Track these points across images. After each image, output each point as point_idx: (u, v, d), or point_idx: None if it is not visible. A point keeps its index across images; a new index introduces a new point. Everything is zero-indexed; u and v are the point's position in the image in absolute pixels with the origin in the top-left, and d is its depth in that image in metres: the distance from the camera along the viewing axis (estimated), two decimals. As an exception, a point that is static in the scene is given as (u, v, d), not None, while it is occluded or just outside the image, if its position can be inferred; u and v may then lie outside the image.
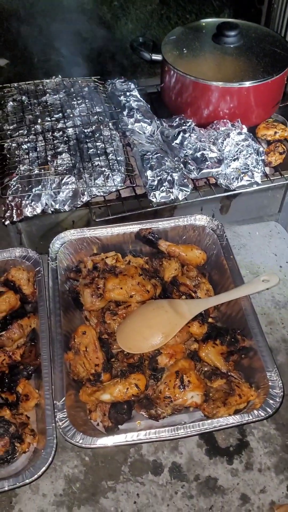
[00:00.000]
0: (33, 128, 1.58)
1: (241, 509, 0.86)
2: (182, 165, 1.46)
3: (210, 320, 1.05)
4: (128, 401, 0.92)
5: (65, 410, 0.88)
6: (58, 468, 0.92)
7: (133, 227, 1.19)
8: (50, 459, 0.83)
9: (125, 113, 1.60)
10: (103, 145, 1.53)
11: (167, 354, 0.95)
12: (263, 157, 1.50)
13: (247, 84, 1.52)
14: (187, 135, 1.53)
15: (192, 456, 0.93)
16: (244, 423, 0.87)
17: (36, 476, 0.81)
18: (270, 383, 0.91)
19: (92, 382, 0.93)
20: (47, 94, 1.71)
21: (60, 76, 1.80)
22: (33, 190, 1.40)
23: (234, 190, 1.47)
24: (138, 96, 1.67)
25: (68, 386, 0.94)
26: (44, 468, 0.82)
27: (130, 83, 1.73)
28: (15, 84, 1.76)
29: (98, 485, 0.89)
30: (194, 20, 3.89)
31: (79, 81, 1.78)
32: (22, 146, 1.52)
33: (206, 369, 0.99)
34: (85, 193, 1.42)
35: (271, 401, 0.89)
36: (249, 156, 1.48)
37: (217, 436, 0.95)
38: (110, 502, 0.87)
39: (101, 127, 1.58)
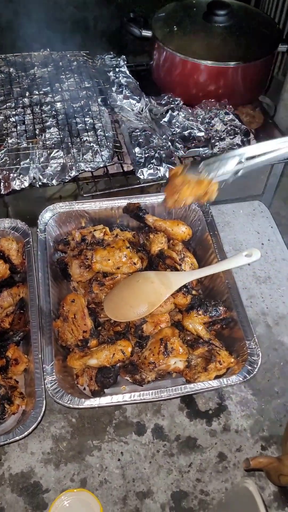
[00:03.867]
0: (21, 101, 1.58)
1: (218, 466, 0.92)
2: (169, 143, 1.49)
3: (193, 292, 1.09)
4: (114, 366, 0.96)
5: (53, 373, 0.92)
6: (46, 429, 0.96)
7: (121, 202, 1.21)
8: (40, 418, 0.87)
9: (114, 89, 1.61)
10: (92, 120, 1.53)
11: (152, 322, 1.00)
12: (249, 138, 1.53)
13: (236, 64, 1.54)
14: (175, 113, 1.55)
15: (174, 418, 0.98)
16: (222, 387, 0.93)
17: (26, 433, 0.85)
18: (249, 351, 0.96)
19: (80, 348, 0.97)
20: (35, 67, 1.70)
21: (48, 49, 1.79)
22: (21, 163, 1.40)
23: (220, 169, 1.50)
24: (127, 72, 1.68)
25: (56, 352, 0.97)
26: (34, 426, 0.86)
27: (119, 59, 1.73)
28: (2, 56, 1.74)
29: (84, 444, 0.94)
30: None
31: (68, 55, 1.77)
32: (10, 119, 1.51)
33: (188, 338, 1.03)
34: (73, 168, 1.43)
35: (249, 367, 0.94)
36: (236, 136, 1.52)
37: (198, 400, 1.00)
38: (96, 460, 0.92)
39: (90, 102, 1.59)
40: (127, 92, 1.60)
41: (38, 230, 1.15)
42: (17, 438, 0.85)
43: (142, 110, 1.61)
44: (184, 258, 1.12)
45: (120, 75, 1.65)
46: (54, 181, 1.42)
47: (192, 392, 0.91)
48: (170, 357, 0.94)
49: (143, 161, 1.44)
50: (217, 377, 0.96)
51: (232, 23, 1.64)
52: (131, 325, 1.00)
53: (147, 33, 1.68)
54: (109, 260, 1.06)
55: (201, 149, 1.49)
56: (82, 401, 0.89)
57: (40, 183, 1.43)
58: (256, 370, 0.93)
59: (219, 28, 1.63)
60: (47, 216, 1.18)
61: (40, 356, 0.95)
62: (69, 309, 0.98)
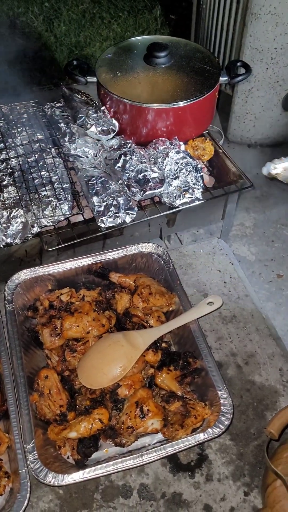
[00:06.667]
0: (-25, 162, 1.58)
1: (205, 518, 0.96)
2: (126, 188, 1.52)
3: (163, 345, 1.13)
4: (94, 434, 0.99)
5: (35, 452, 0.94)
6: (35, 505, 0.98)
7: (84, 261, 1.24)
8: (26, 501, 0.89)
9: (66, 139, 1.63)
10: (48, 174, 1.56)
11: (126, 385, 1.03)
12: (201, 174, 1.58)
13: (181, 104, 1.59)
14: (128, 157, 1.58)
15: (158, 475, 1.01)
16: (201, 442, 0.96)
17: (14, 519, 0.87)
18: (221, 401, 1.00)
19: (59, 422, 0.99)
20: (-14, 124, 1.71)
21: (-3, 102, 1.80)
22: (-17, 227, 1.42)
23: (178, 207, 1.55)
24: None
25: (36, 426, 1.00)
26: (21, 511, 0.88)
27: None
28: None
29: (73, 515, 0.97)
30: (126, 18, 3.90)
31: (17, 107, 1.78)
32: None
33: (163, 392, 1.07)
34: (35, 224, 1.45)
35: (223, 418, 0.98)
36: (189, 173, 1.56)
37: (179, 453, 1.04)
38: (86, 530, 0.95)
39: (44, 155, 1.61)
40: (79, 140, 1.62)
41: (5, 301, 1.17)
42: (5, 526, 0.87)
43: (96, 155, 1.64)
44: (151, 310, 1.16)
45: (71, 125, 1.68)
46: (17, 240, 1.44)
47: (174, 452, 0.94)
48: (146, 419, 0.98)
49: (102, 209, 1.47)
50: (194, 429, 1.00)
51: (173, 62, 1.69)
52: (106, 391, 1.03)
53: (92, 79, 1.71)
54: (78, 326, 1.09)
55: (156, 190, 1.53)
56: (66, 476, 0.91)
57: (3, 244, 1.44)
58: (229, 420, 0.98)
59: (161, 69, 1.67)
60: (12, 285, 1.20)
61: (20, 435, 0.97)
62: (43, 384, 1.00)
